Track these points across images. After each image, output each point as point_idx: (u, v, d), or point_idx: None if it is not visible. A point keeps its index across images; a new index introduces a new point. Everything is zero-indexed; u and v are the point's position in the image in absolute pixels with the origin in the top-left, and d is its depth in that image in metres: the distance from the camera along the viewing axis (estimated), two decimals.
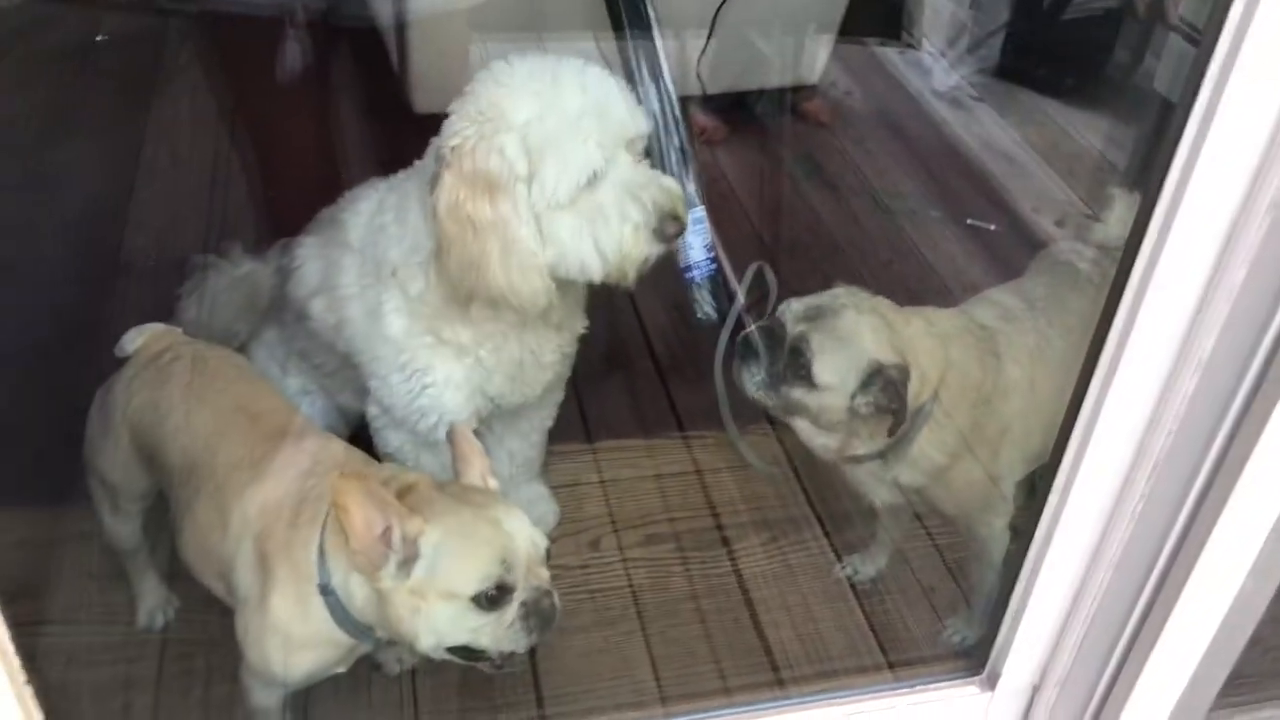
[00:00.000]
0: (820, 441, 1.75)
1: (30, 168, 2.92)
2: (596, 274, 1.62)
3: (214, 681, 1.81)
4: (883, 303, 1.73)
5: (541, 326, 1.78)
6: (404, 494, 1.38)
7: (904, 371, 1.62)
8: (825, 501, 2.25)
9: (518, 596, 1.34)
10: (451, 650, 1.37)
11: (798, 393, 1.67)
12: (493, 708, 1.87)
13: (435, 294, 1.68)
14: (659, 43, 2.30)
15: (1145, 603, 1.32)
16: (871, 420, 1.67)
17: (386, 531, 1.30)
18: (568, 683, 1.91)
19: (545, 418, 2.06)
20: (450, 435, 1.50)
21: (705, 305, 2.37)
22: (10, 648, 1.11)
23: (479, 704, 1.87)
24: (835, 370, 1.64)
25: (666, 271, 2.59)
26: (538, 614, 1.35)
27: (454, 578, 1.31)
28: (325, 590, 1.39)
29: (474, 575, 1.31)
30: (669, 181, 1.64)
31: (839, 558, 2.14)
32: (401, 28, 2.52)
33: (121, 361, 1.70)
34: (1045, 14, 3.38)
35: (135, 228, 2.77)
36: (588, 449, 2.35)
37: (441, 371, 1.74)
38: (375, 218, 1.73)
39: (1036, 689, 1.52)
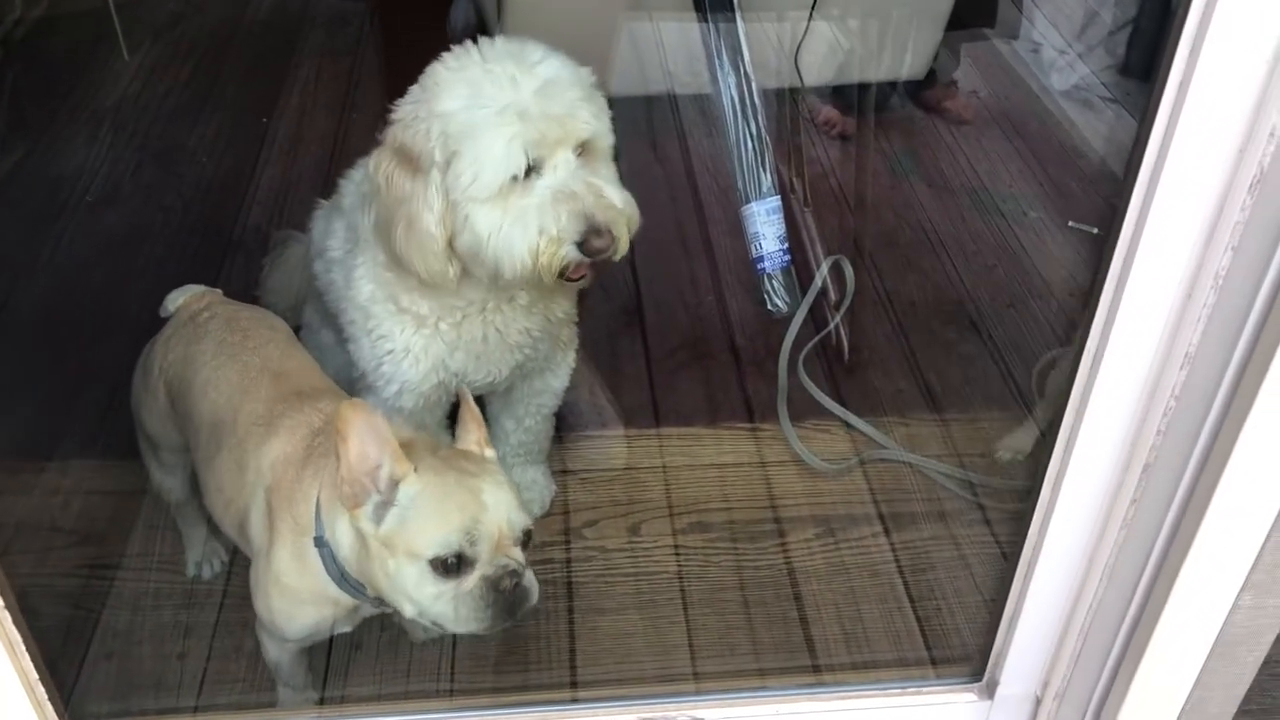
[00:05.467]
0: None
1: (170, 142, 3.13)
2: (507, 272, 1.58)
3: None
4: None
5: (507, 306, 1.75)
6: (401, 446, 1.38)
7: None
8: (891, 501, 2.20)
9: (479, 570, 1.33)
10: (435, 622, 1.36)
11: None
12: (526, 676, 1.88)
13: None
14: (741, 27, 2.28)
15: (1136, 611, 1.24)
16: None
17: (376, 470, 1.32)
18: (602, 658, 1.91)
19: (542, 403, 2.02)
20: (458, 396, 1.50)
21: (776, 298, 2.34)
22: None
23: (513, 672, 1.88)
24: None
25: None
26: (499, 592, 1.33)
27: (417, 537, 1.32)
28: (320, 542, 1.41)
29: (435, 539, 1.31)
30: (613, 193, 1.57)
31: (895, 557, 2.08)
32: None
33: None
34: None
35: (251, 203, 2.91)
36: (653, 434, 2.34)
37: (401, 340, 1.74)
38: (363, 184, 1.72)
39: (1039, 701, 1.45)
